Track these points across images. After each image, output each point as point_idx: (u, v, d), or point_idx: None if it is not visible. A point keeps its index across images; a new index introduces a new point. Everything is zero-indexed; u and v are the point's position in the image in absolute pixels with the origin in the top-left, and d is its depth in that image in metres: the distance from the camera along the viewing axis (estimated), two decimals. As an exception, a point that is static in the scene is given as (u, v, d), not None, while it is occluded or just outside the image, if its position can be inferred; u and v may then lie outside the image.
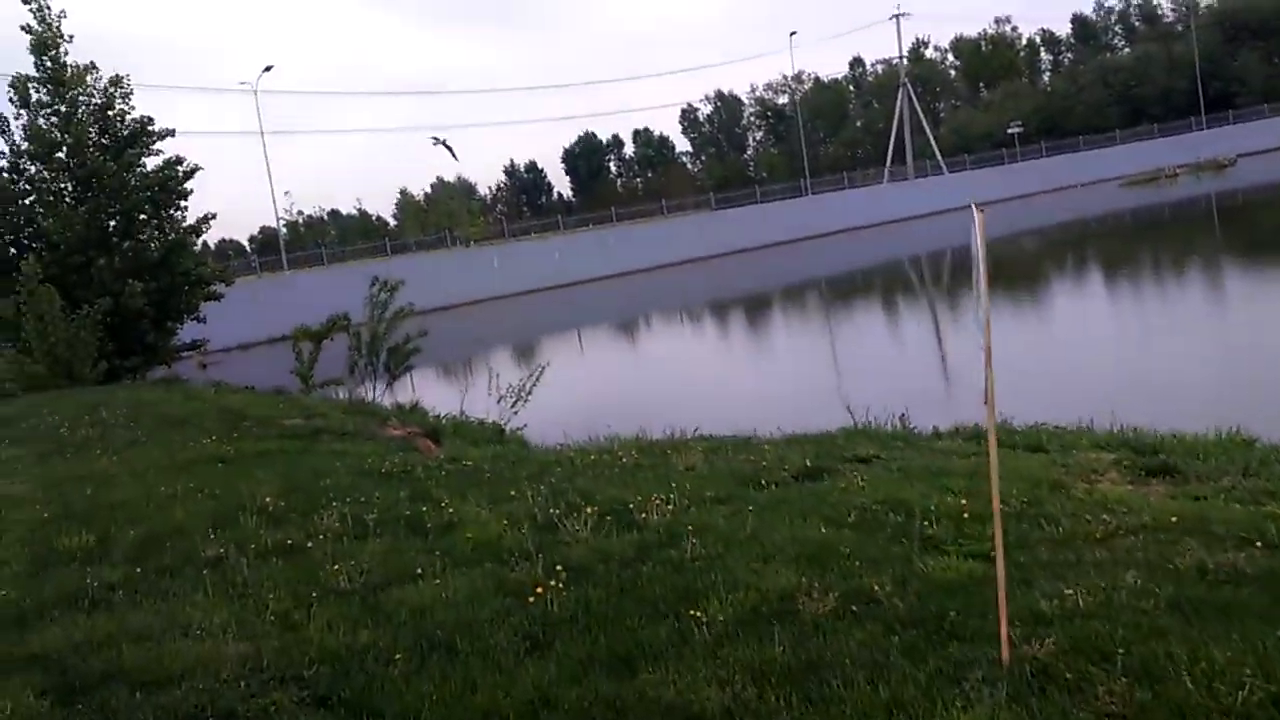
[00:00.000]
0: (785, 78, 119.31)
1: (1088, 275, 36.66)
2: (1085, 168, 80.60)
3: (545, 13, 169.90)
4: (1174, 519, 5.94)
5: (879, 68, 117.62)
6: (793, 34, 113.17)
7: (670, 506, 7.03)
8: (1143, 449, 8.26)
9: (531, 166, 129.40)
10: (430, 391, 20.90)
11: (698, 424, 12.12)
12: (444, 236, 75.20)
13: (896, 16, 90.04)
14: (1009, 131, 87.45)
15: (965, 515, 6.30)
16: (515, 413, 15.35)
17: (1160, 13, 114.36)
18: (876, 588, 5.09)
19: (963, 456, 8.56)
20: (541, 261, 60.88)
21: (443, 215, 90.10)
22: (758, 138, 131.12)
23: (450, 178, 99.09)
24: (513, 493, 7.82)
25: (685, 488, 7.54)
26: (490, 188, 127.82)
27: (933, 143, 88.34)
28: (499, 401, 15.51)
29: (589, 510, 6.94)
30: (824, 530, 6.31)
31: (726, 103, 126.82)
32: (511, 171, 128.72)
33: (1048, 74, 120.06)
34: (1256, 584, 4.92)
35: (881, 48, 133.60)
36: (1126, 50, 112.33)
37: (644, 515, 6.90)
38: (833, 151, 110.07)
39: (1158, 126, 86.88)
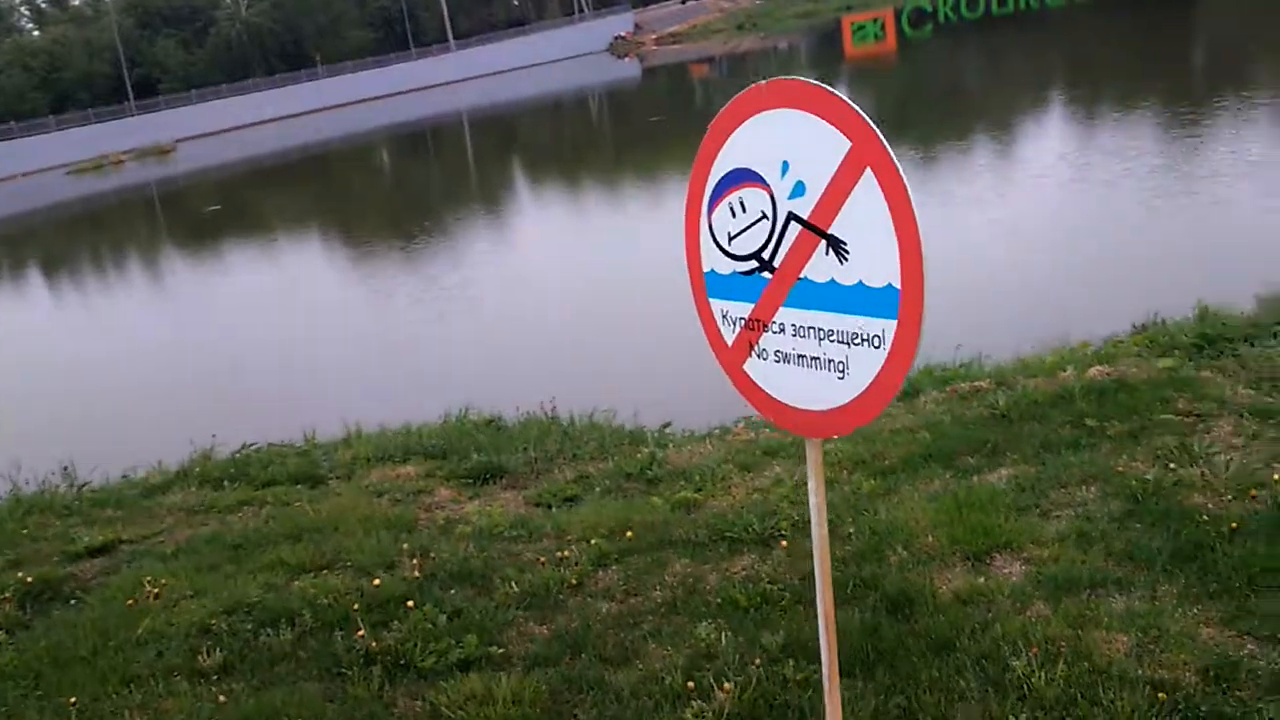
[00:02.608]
0: None
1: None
2: (25, 156, 74.36)
3: None
4: (629, 533, 4.91)
5: None
6: None
7: None
8: (430, 453, 7.01)
9: None
10: None
11: None
12: None
13: None
14: (-66, 112, 75.89)
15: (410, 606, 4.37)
16: None
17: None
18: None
19: (232, 510, 6.29)
20: None
21: None
22: None
23: None
24: None
25: None
26: None
27: None
28: None
29: None
30: None
31: None
32: None
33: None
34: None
35: None
36: (39, 34, 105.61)
37: None
38: None
39: (92, 112, 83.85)
